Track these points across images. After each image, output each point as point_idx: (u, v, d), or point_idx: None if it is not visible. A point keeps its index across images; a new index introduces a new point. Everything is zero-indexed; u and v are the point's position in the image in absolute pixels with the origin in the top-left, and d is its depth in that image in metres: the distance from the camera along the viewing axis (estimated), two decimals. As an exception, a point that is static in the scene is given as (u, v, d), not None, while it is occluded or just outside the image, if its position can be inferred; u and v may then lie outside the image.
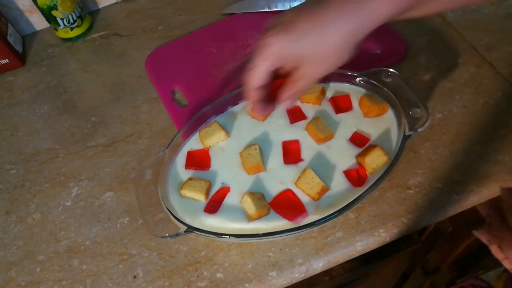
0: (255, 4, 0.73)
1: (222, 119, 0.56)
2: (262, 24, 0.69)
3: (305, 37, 0.38)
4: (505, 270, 0.79)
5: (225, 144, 0.53)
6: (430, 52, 0.64)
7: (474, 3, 0.41)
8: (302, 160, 0.50)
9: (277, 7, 0.71)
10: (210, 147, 0.53)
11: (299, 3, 0.69)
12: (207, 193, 0.49)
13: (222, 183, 0.50)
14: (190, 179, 0.50)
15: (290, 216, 0.46)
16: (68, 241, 0.55)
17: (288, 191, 0.48)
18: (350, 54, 0.39)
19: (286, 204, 0.47)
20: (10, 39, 0.74)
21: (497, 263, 0.52)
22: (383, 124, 0.52)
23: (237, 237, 0.46)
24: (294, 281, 0.50)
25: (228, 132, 0.54)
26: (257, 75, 0.42)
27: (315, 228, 0.50)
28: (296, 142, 0.52)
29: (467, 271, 1.03)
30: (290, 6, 0.70)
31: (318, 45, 0.38)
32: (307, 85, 0.43)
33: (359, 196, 0.45)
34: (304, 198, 0.47)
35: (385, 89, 0.52)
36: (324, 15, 0.37)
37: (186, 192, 0.49)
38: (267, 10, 0.72)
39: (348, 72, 0.55)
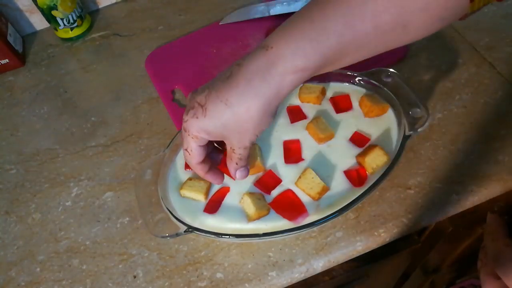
0: (255, 11, 0.72)
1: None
2: (262, 25, 0.71)
3: (219, 118, 0.38)
4: None
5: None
6: (430, 52, 0.64)
7: (394, 46, 0.38)
8: (303, 159, 0.50)
9: (277, 11, 0.71)
10: None
11: (299, 4, 0.70)
12: (206, 193, 0.49)
13: (222, 183, 0.50)
14: (189, 179, 0.50)
15: (290, 216, 0.46)
16: (68, 241, 0.55)
17: (289, 191, 0.48)
18: (271, 118, 0.39)
19: (287, 204, 0.47)
20: (10, 39, 0.74)
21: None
22: (383, 124, 0.52)
23: (237, 237, 0.46)
24: (294, 281, 0.50)
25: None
26: (193, 155, 0.43)
27: (315, 228, 0.50)
28: (297, 142, 0.52)
29: (467, 271, 1.03)
30: (290, 9, 0.70)
31: (234, 123, 0.38)
32: (242, 154, 0.42)
33: (359, 196, 0.45)
34: (304, 198, 0.47)
35: (385, 89, 0.52)
36: (233, 96, 0.37)
37: (186, 192, 0.49)
38: (267, 15, 0.71)
39: (348, 72, 0.55)
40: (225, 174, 0.50)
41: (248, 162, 0.45)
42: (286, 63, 0.35)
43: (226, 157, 0.44)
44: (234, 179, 0.45)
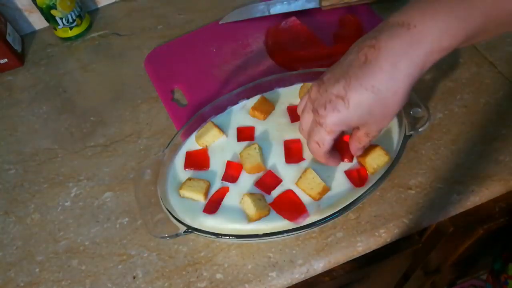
0: (255, 10, 0.72)
1: (221, 119, 0.56)
2: (262, 24, 0.70)
3: (364, 107, 0.37)
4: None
5: (225, 143, 0.53)
6: (431, 51, 0.64)
7: None
8: (303, 159, 0.50)
9: (277, 11, 0.70)
10: (207, 146, 0.53)
11: (299, 3, 0.69)
12: (206, 193, 0.49)
13: (222, 183, 0.50)
14: (189, 179, 0.50)
15: (290, 217, 0.46)
16: (67, 241, 0.55)
17: (289, 192, 0.48)
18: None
19: (287, 205, 0.47)
20: (9, 38, 0.74)
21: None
22: (383, 123, 0.51)
23: (237, 238, 0.45)
24: (294, 282, 0.50)
25: (228, 132, 0.54)
26: (324, 148, 0.42)
27: (315, 229, 0.49)
28: (298, 142, 0.51)
29: (468, 272, 1.03)
30: (290, 8, 0.70)
31: (380, 109, 0.37)
32: (376, 136, 0.42)
33: (360, 196, 0.45)
34: (305, 198, 0.47)
35: (386, 88, 0.52)
36: (379, 79, 0.35)
37: (185, 192, 0.49)
38: (267, 14, 0.71)
39: (349, 72, 0.55)
40: (224, 181, 0.50)
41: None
42: (434, 43, 0.34)
43: (353, 140, 0.44)
44: (351, 160, 0.46)
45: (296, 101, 0.55)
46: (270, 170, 0.50)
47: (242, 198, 0.47)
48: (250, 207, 0.46)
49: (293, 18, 0.69)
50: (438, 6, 0.34)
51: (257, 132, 0.54)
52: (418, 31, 0.34)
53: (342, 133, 0.43)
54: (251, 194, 0.47)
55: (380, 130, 0.41)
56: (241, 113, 0.56)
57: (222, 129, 0.54)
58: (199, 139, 0.53)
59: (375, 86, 0.36)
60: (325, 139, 0.41)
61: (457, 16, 0.33)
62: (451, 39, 0.34)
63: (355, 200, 0.45)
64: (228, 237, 0.45)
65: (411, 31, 0.34)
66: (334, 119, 0.38)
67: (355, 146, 0.44)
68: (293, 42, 0.67)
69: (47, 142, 0.65)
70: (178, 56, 0.70)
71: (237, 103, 0.57)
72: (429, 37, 0.34)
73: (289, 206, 0.47)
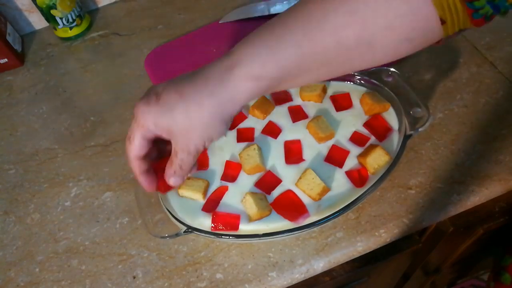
0: (255, 9, 0.72)
1: (222, 119, 0.55)
2: (262, 24, 0.70)
3: (170, 110, 0.36)
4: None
5: (224, 143, 0.53)
6: (430, 51, 0.64)
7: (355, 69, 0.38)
8: (303, 160, 0.50)
9: (277, 10, 0.70)
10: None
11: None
12: (205, 192, 0.49)
13: (221, 183, 0.50)
14: (188, 178, 0.50)
15: (291, 217, 0.46)
16: (67, 241, 0.55)
17: (289, 192, 0.48)
18: (224, 126, 0.38)
19: (288, 205, 0.47)
20: (9, 38, 0.74)
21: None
22: (384, 123, 0.51)
23: (237, 238, 0.45)
24: (294, 282, 0.50)
25: (227, 132, 0.54)
26: (133, 146, 0.39)
27: (315, 229, 0.49)
28: (298, 142, 0.51)
29: (468, 272, 1.03)
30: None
31: (183, 118, 0.36)
32: (184, 160, 0.39)
33: (360, 196, 0.45)
34: (305, 198, 0.47)
35: (386, 88, 0.52)
36: (189, 90, 0.36)
37: (184, 192, 0.49)
38: (267, 14, 0.71)
39: (349, 72, 0.55)
40: (223, 181, 0.50)
41: (190, 170, 0.42)
42: (243, 68, 0.35)
43: (168, 161, 0.41)
44: (169, 185, 0.43)
45: (297, 100, 0.55)
46: (269, 171, 0.50)
47: (244, 197, 0.47)
48: (251, 207, 0.46)
49: (293, 18, 0.69)
50: (254, 37, 0.37)
51: (257, 132, 0.53)
52: (234, 56, 0.36)
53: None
54: (253, 194, 0.46)
55: (187, 152, 0.39)
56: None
57: (222, 129, 0.54)
58: (199, 139, 0.53)
59: (183, 92, 0.36)
60: (135, 134, 0.39)
61: (267, 44, 0.35)
62: (261, 67, 0.35)
63: (355, 200, 0.45)
64: (228, 237, 0.45)
65: (229, 57, 0.37)
66: (144, 112, 0.37)
67: (167, 167, 0.41)
68: (293, 42, 0.67)
69: (47, 142, 0.65)
70: (178, 56, 0.70)
71: (237, 103, 0.57)
72: (240, 62, 0.36)
73: (290, 206, 0.47)
